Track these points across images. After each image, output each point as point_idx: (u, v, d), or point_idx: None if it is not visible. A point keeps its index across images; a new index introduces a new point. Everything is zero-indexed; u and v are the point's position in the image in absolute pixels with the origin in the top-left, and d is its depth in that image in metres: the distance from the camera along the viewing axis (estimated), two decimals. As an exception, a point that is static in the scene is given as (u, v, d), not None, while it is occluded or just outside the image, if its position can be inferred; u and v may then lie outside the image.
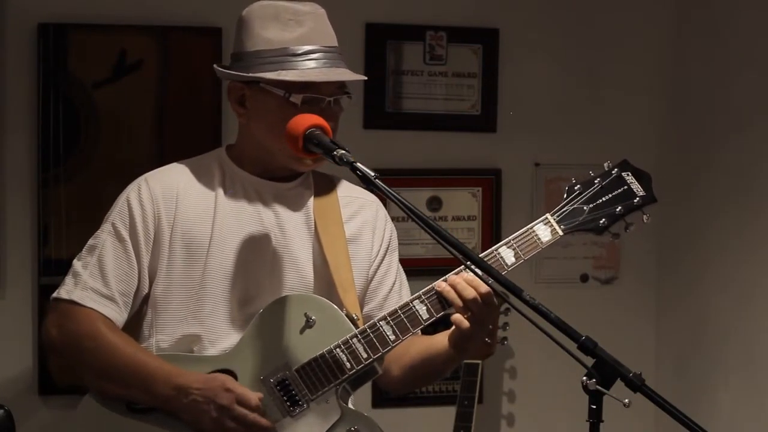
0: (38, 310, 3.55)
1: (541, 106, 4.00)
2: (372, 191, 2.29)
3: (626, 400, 1.87)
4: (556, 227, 2.37)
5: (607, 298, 4.06)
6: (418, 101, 3.89)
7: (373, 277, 2.55)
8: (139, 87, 3.60)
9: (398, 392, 2.81)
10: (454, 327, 2.35)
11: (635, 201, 2.37)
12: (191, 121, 3.64)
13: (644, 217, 2.37)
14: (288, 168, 2.45)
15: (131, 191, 2.45)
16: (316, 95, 2.35)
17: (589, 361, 1.89)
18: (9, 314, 3.56)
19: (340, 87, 2.40)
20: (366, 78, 2.44)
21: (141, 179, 2.48)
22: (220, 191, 2.44)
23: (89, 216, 3.54)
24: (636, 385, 1.85)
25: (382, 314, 2.38)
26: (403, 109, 3.88)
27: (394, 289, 2.57)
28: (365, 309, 2.53)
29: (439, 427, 3.67)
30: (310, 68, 2.35)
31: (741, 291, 3.73)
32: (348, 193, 2.57)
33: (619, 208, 2.36)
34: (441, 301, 2.35)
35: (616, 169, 2.41)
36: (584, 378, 1.88)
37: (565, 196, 2.38)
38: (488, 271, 2.04)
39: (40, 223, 3.54)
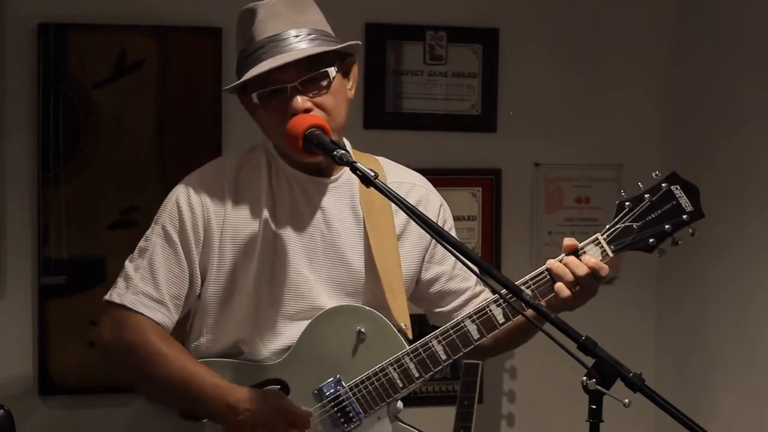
0: (38, 310, 3.55)
1: (541, 106, 4.00)
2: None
3: (626, 400, 1.87)
4: (606, 248, 2.36)
5: (607, 298, 4.05)
6: (418, 101, 3.89)
7: (440, 272, 2.54)
8: (139, 87, 3.60)
9: (484, 358, 2.94)
10: (552, 295, 2.34)
11: (684, 218, 2.35)
12: (191, 121, 3.65)
13: (691, 231, 2.36)
14: (307, 162, 2.39)
15: (180, 192, 2.42)
16: (275, 87, 2.30)
17: (589, 361, 1.89)
18: (9, 314, 3.56)
19: (307, 68, 2.31)
20: (307, 53, 2.30)
21: (190, 179, 2.44)
22: (268, 190, 2.41)
23: (89, 216, 3.58)
24: (636, 385, 1.85)
25: (434, 333, 2.37)
26: (403, 109, 3.88)
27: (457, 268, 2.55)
28: (450, 306, 2.54)
29: (439, 427, 3.67)
30: (255, 66, 2.29)
31: (741, 291, 3.73)
32: (395, 178, 2.50)
33: (668, 225, 2.33)
34: (491, 320, 2.35)
35: (665, 183, 2.35)
36: (584, 378, 1.88)
37: (615, 212, 2.35)
38: (488, 271, 2.04)
39: (40, 223, 3.54)
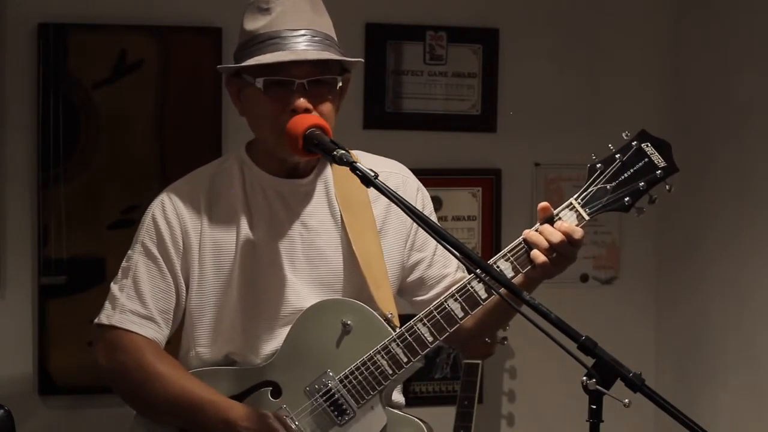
0: (38, 310, 3.55)
1: (541, 106, 4.00)
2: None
3: (626, 400, 1.87)
4: (582, 211, 2.32)
5: (607, 298, 4.06)
6: (418, 101, 3.89)
7: (420, 258, 2.53)
8: (139, 87, 3.60)
9: (469, 345, 2.82)
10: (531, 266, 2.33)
11: (657, 174, 2.32)
12: (191, 120, 3.65)
13: (667, 187, 2.33)
14: (287, 159, 2.40)
15: (156, 208, 2.44)
16: (283, 78, 2.31)
17: (589, 361, 1.89)
18: (9, 314, 3.56)
19: (317, 69, 2.33)
20: (327, 57, 2.34)
21: (164, 194, 2.46)
22: (243, 198, 2.42)
23: (89, 216, 3.58)
24: (636, 385, 1.85)
25: (418, 316, 2.36)
26: (403, 109, 3.88)
27: (438, 253, 2.54)
28: (430, 294, 2.53)
29: (439, 427, 3.66)
30: (271, 52, 2.30)
31: (741, 291, 3.73)
32: (372, 167, 2.45)
33: (642, 183, 2.31)
34: (473, 296, 2.33)
35: (635, 142, 2.34)
36: (584, 378, 1.88)
37: (587, 176, 2.31)
38: (488, 271, 2.04)
39: (40, 223, 3.54)
